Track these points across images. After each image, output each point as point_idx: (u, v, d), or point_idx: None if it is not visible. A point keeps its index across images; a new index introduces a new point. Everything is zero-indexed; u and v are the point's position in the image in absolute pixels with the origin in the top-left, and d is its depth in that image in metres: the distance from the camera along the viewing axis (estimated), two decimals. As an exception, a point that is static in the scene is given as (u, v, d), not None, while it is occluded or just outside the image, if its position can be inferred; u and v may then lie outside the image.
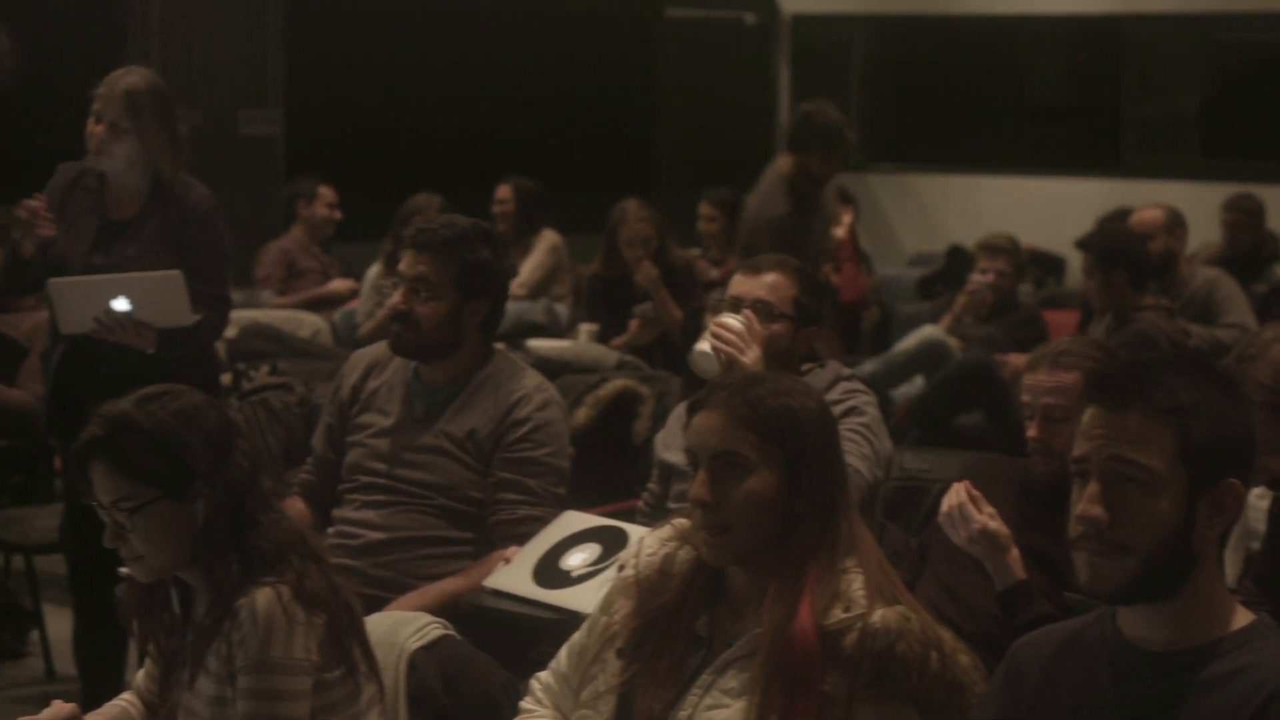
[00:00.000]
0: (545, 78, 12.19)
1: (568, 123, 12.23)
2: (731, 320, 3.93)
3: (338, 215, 9.20)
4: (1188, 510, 2.34)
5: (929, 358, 7.65)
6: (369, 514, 4.14)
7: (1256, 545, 3.78)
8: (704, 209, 9.09)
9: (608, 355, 6.98)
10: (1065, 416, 3.60)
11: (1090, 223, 9.80)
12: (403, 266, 4.16)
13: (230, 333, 6.68)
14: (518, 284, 8.08)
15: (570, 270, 8.85)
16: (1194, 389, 2.36)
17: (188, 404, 2.93)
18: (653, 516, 4.12)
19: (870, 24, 13.61)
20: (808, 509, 2.76)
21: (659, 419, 5.69)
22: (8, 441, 6.27)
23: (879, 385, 6.84)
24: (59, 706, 3.00)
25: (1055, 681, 2.46)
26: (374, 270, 8.16)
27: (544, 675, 2.98)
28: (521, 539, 3.99)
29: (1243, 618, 2.40)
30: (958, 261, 10.07)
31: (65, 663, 5.54)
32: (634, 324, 7.57)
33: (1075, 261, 9.42)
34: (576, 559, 3.87)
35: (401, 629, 3.18)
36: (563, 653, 2.97)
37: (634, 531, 3.85)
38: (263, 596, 2.83)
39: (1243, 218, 8.95)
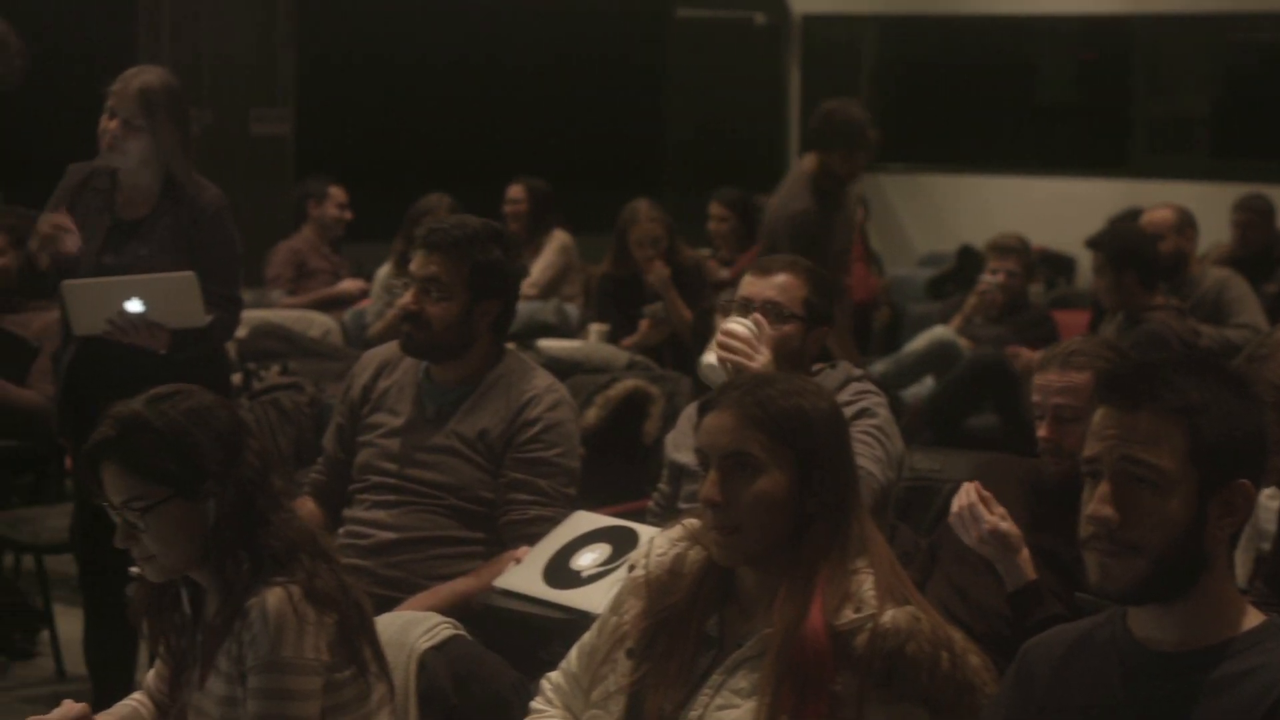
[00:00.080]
0: (555, 78, 12.19)
1: (578, 123, 12.24)
2: (736, 326, 3.89)
3: (348, 215, 9.21)
4: (1198, 511, 2.34)
5: (939, 358, 7.65)
6: (380, 514, 4.13)
7: (1267, 546, 3.77)
8: (714, 209, 9.08)
9: (618, 355, 6.98)
10: (1076, 416, 3.59)
11: (1101, 223, 9.81)
12: (414, 266, 4.15)
13: (241, 333, 6.69)
14: (528, 284, 8.08)
15: (580, 270, 8.85)
16: (1205, 389, 2.35)
17: (199, 404, 2.93)
18: (663, 517, 4.11)
19: (881, 24, 13.61)
20: (819, 509, 2.76)
21: (669, 419, 5.67)
22: (18, 441, 6.27)
23: (889, 385, 6.86)
24: (69, 706, 3.01)
25: (1066, 682, 2.46)
26: (384, 270, 8.16)
27: (554, 675, 2.98)
28: (532, 539, 3.99)
29: (1253, 618, 2.39)
30: (968, 262, 10.08)
31: (76, 663, 5.53)
32: (644, 324, 7.57)
33: (1086, 261, 9.41)
34: (587, 559, 3.86)
35: (412, 629, 3.18)
36: (573, 653, 2.97)
37: (644, 532, 3.85)
38: (273, 596, 2.83)
39: (1253, 218, 8.94)
